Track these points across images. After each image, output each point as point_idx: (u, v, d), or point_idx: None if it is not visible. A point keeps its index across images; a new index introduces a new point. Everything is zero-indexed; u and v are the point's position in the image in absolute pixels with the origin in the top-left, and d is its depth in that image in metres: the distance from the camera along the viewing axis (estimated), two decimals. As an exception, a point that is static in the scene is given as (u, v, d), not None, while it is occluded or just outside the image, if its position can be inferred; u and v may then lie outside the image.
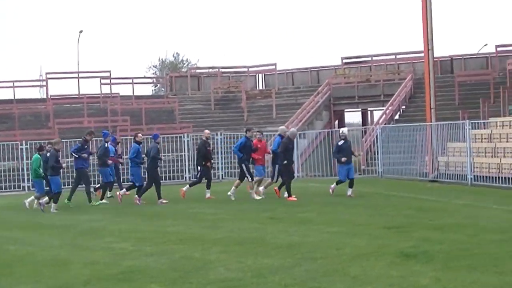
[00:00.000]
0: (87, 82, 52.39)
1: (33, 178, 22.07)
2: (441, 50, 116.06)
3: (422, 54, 38.12)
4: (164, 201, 21.14)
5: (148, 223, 16.60)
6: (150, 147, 22.23)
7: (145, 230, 15.41)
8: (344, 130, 22.56)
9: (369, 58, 44.12)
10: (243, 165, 21.81)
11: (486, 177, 24.56)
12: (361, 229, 14.07)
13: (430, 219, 15.29)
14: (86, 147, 22.38)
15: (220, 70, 46.70)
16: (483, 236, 12.62)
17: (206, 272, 10.34)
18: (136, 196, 21.43)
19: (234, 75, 47.00)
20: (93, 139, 24.75)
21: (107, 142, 22.93)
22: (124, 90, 44.02)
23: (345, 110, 44.59)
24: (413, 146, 29.71)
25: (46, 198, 20.88)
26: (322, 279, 9.52)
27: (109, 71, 42.75)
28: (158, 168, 22.37)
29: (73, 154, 22.24)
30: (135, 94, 43.51)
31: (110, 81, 42.52)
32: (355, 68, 44.62)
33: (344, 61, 44.16)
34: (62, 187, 21.16)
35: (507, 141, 25.29)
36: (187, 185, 22.75)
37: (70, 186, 23.29)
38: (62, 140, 24.63)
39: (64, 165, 21.60)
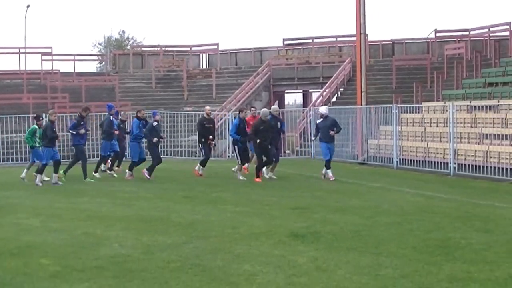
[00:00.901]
0: (31, 58, 51.93)
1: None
2: (384, 33, 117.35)
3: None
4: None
5: (64, 200, 16.74)
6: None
7: (59, 207, 15.60)
8: (322, 108, 22.03)
9: (310, 40, 44.48)
10: (236, 147, 21.64)
11: (413, 160, 25.12)
12: (265, 210, 14.43)
13: (337, 201, 15.73)
14: (82, 123, 21.95)
15: (163, 48, 46.68)
16: (378, 219, 13.05)
17: (99, 248, 10.61)
18: (144, 170, 21.53)
19: (177, 54, 47.05)
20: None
21: (111, 115, 23.01)
22: (68, 67, 43.83)
23: (285, 91, 45.03)
24: (345, 129, 30.10)
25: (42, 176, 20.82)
26: (206, 257, 9.84)
27: (51, 47, 42.49)
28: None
29: (70, 131, 21.89)
30: (78, 71, 43.47)
31: (52, 57, 42.30)
32: (298, 50, 45.09)
33: (286, 42, 44.47)
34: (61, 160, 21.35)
35: (437, 126, 25.88)
36: (198, 164, 22.50)
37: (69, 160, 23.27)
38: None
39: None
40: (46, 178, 20.99)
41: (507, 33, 36.12)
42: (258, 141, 20.26)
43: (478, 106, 25.51)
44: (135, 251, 10.34)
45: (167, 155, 31.16)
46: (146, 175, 21.25)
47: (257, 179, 20.43)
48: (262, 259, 9.64)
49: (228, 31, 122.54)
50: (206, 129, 22.21)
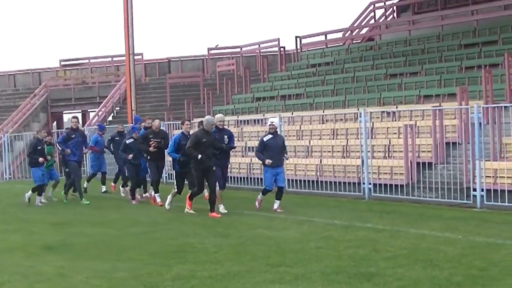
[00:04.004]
0: None
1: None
2: (160, 52, 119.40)
3: (140, 57, 40.06)
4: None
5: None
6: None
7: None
8: (274, 120, 17.44)
9: (87, 60, 45.12)
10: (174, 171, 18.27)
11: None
12: (28, 226, 15.23)
13: (99, 216, 16.82)
14: (73, 136, 20.19)
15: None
16: (130, 229, 14.26)
17: None
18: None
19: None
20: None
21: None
22: None
23: (63, 112, 45.37)
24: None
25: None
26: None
27: None
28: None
29: (58, 146, 20.54)
30: None
31: None
32: (76, 70, 45.59)
33: (62, 63, 44.87)
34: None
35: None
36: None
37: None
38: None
39: (40, 159, 19.33)
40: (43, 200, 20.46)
41: (276, 48, 38.42)
42: (199, 157, 15.72)
43: (245, 121, 27.08)
44: None
45: None
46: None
47: (188, 207, 16.62)
48: (12, 269, 10.45)
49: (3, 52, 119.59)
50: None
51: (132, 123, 28.28)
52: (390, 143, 21.10)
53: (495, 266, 9.56)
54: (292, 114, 27.27)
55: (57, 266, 10.62)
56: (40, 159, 19.22)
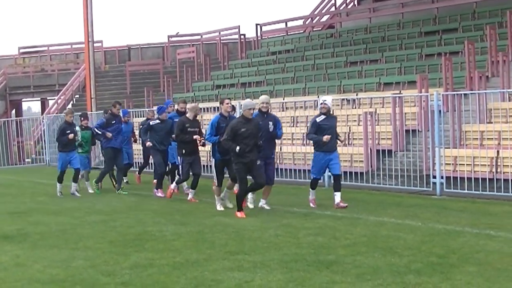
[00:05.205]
0: None
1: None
2: (120, 39, 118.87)
3: (100, 44, 39.73)
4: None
5: None
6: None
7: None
8: (327, 99, 14.88)
9: (46, 48, 44.65)
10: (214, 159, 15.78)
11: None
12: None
13: (56, 205, 16.63)
14: (113, 122, 18.72)
15: None
16: (87, 218, 14.09)
17: None
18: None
19: None
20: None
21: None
22: None
23: (22, 99, 44.90)
24: (79, 135, 30.83)
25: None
26: None
27: None
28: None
29: (96, 130, 18.83)
30: None
31: None
32: (35, 57, 45.09)
33: (21, 50, 44.37)
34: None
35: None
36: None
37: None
38: None
39: (70, 135, 17.98)
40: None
41: (236, 36, 38.31)
42: (237, 149, 13.48)
43: (206, 108, 26.96)
44: None
45: None
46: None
47: (240, 214, 13.74)
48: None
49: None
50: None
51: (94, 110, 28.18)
52: (350, 130, 21.12)
53: (454, 253, 9.59)
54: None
55: (13, 256, 10.46)
56: (70, 136, 17.87)
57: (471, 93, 18.59)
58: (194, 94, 32.58)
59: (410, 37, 28.04)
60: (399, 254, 9.57)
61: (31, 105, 76.28)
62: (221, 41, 39.43)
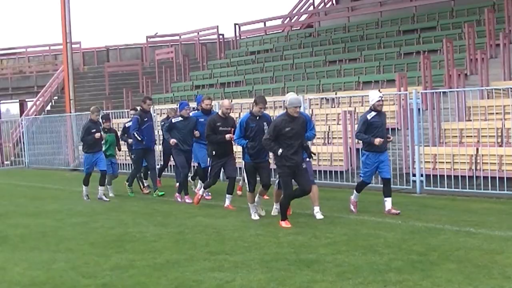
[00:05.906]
0: None
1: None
2: (98, 40, 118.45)
3: (78, 45, 39.59)
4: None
5: None
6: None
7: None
8: (375, 94, 13.52)
9: (24, 49, 44.42)
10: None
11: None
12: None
13: (36, 207, 16.54)
14: (146, 119, 17.61)
15: None
16: (68, 220, 14.05)
17: None
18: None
19: None
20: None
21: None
22: None
23: (1, 101, 44.73)
24: (58, 137, 30.78)
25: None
26: None
27: None
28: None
29: (134, 135, 17.56)
30: None
31: None
32: (12, 59, 44.85)
33: (-2, 52, 44.22)
34: None
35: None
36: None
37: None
38: None
39: (97, 135, 16.93)
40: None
41: (215, 36, 38.31)
42: (280, 151, 12.10)
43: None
44: None
45: None
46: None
47: (284, 223, 12.34)
48: None
49: None
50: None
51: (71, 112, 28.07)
52: (329, 129, 21.17)
53: (434, 251, 9.62)
54: (232, 101, 27.16)
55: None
56: (97, 135, 16.81)
57: (450, 91, 18.67)
58: (173, 94, 32.55)
59: (388, 36, 28.15)
60: (380, 253, 9.59)
61: (9, 107, 75.65)
62: (200, 41, 39.43)
